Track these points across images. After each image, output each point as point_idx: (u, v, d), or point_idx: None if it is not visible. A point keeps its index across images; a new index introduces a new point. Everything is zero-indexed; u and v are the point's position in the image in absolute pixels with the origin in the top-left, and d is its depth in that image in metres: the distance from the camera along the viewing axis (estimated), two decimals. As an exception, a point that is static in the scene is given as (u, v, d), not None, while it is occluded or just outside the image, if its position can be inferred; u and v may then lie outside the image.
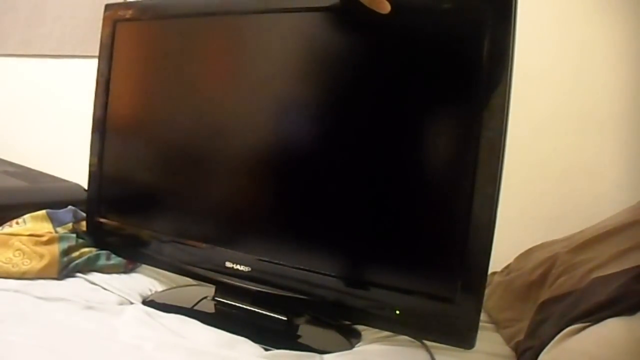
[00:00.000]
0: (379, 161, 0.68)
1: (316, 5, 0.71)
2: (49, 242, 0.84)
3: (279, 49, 0.75)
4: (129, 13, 0.87)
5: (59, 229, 0.90)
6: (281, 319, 0.75)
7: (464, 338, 0.62)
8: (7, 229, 0.88)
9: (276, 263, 0.73)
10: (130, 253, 0.89)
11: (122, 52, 0.88)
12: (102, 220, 0.90)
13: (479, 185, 0.60)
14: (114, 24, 0.88)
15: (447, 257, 0.64)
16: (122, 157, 0.90)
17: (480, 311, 0.62)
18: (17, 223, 0.90)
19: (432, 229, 0.66)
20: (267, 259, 0.74)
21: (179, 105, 0.84)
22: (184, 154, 0.84)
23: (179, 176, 0.85)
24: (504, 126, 0.59)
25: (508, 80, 0.59)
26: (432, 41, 0.65)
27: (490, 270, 0.62)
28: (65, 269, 0.83)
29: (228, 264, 0.76)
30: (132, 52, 0.90)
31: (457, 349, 0.64)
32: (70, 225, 0.91)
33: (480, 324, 0.62)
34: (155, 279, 0.90)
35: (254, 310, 0.76)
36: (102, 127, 0.90)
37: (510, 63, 0.59)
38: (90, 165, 0.91)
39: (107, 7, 0.90)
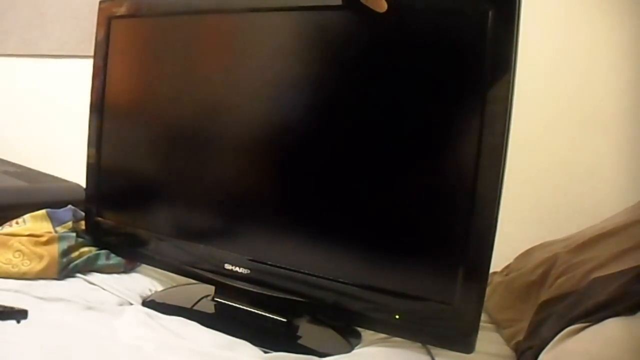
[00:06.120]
0: (378, 164, 0.68)
1: (314, 4, 0.70)
2: (48, 242, 0.84)
3: (277, 47, 0.75)
4: (121, 10, 0.87)
5: (59, 228, 0.90)
6: (281, 321, 0.75)
7: (464, 342, 0.62)
8: (6, 228, 0.88)
9: (275, 265, 0.73)
10: (129, 252, 0.89)
11: (117, 48, 0.88)
12: (100, 219, 0.90)
13: (481, 190, 0.60)
14: (108, 20, 0.88)
15: (447, 261, 0.63)
16: (119, 155, 0.90)
17: (480, 316, 0.62)
18: (17, 223, 0.90)
19: (433, 232, 0.65)
20: (265, 262, 0.74)
21: (175, 101, 0.84)
22: (181, 152, 0.84)
23: (176, 175, 0.85)
24: (507, 129, 0.59)
25: (511, 83, 0.58)
26: (432, 42, 0.64)
27: (490, 271, 0.62)
28: (64, 270, 0.83)
29: (227, 266, 0.76)
30: (127, 48, 0.89)
31: (457, 350, 0.64)
32: (69, 224, 0.91)
33: (480, 324, 0.62)
34: (155, 278, 0.90)
35: (254, 312, 0.76)
36: (99, 124, 0.90)
37: (513, 65, 0.58)
38: (87, 165, 0.91)
39: (102, 2, 0.90)
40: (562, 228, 0.84)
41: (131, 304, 0.80)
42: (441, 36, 0.64)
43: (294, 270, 0.72)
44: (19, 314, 0.55)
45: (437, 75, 0.64)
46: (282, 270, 0.72)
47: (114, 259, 0.89)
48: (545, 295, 0.72)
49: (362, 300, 0.68)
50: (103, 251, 0.89)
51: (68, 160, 1.27)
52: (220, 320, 0.76)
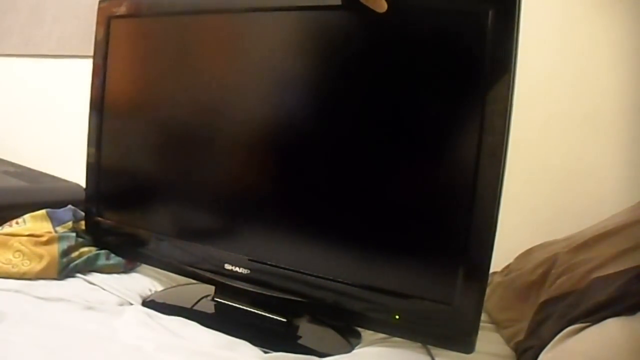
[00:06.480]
0: (378, 164, 0.68)
1: (314, 4, 0.70)
2: (48, 242, 0.84)
3: (276, 47, 0.75)
4: (121, 9, 0.87)
5: (59, 228, 0.89)
6: (281, 321, 0.74)
7: (464, 342, 0.62)
8: (6, 229, 0.88)
9: (275, 265, 0.73)
10: (129, 252, 0.89)
11: (116, 48, 0.88)
12: (100, 219, 0.90)
13: (481, 190, 0.60)
14: (108, 20, 0.88)
15: (447, 261, 0.63)
16: (119, 154, 0.90)
17: (480, 316, 0.62)
18: (17, 223, 0.90)
19: (433, 232, 0.65)
20: (265, 262, 0.74)
21: (175, 100, 0.84)
22: (181, 151, 0.83)
23: (176, 175, 0.85)
24: (506, 128, 0.59)
25: (511, 83, 0.58)
26: (432, 42, 0.64)
27: (490, 270, 0.62)
28: (64, 270, 0.83)
29: (227, 266, 0.76)
30: (127, 48, 0.89)
31: (457, 350, 0.64)
32: (69, 224, 0.91)
33: (480, 324, 0.62)
34: (155, 278, 0.90)
35: (254, 312, 0.76)
36: (99, 124, 0.90)
37: (513, 65, 0.58)
38: (87, 164, 0.91)
39: (101, 2, 0.90)
40: (562, 228, 0.84)
41: (131, 304, 0.80)
42: (441, 36, 0.64)
43: (294, 270, 0.72)
44: None
45: (437, 75, 0.64)
46: (282, 270, 0.72)
47: (114, 259, 0.89)
48: (545, 295, 0.72)
49: (362, 300, 0.68)
50: (103, 251, 0.89)
51: (68, 160, 1.27)
52: (220, 320, 0.76)
